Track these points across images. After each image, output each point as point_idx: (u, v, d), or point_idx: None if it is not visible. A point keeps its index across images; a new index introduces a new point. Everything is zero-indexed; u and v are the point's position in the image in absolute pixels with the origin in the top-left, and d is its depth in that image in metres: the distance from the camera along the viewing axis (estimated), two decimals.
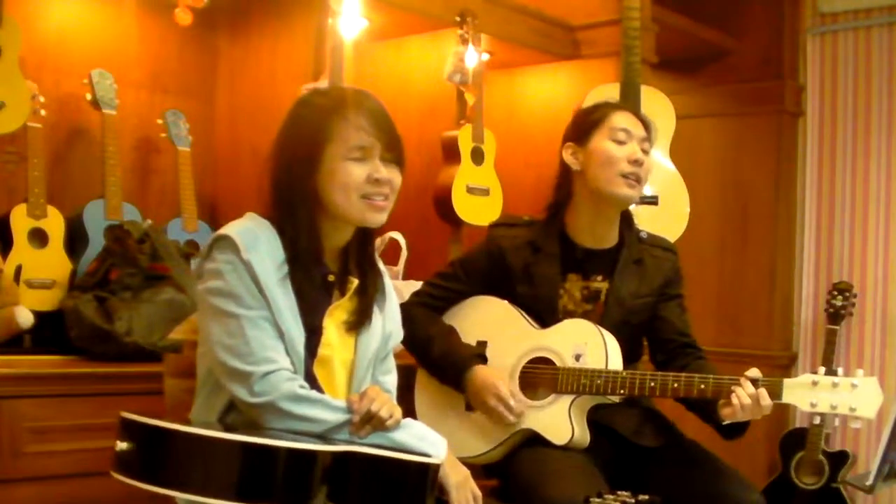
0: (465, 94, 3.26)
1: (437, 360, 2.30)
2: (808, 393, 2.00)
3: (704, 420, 2.16)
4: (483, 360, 2.29)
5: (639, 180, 2.26)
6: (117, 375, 2.34)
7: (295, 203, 1.73)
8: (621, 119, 2.29)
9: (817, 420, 2.08)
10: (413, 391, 2.40)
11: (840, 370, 2.04)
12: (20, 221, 2.57)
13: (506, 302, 2.33)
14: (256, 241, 1.69)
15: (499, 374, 2.24)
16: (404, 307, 2.37)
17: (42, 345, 2.51)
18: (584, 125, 2.31)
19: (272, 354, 1.66)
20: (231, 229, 1.71)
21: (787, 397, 2.01)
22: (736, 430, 2.12)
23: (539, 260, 2.31)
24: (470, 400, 2.27)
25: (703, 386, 2.08)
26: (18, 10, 2.58)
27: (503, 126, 3.50)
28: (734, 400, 2.00)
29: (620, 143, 2.26)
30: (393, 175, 1.77)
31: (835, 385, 1.98)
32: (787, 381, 2.02)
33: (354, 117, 1.74)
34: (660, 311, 2.32)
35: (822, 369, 2.03)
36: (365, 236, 1.84)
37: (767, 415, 2.03)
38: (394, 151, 1.77)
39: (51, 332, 2.54)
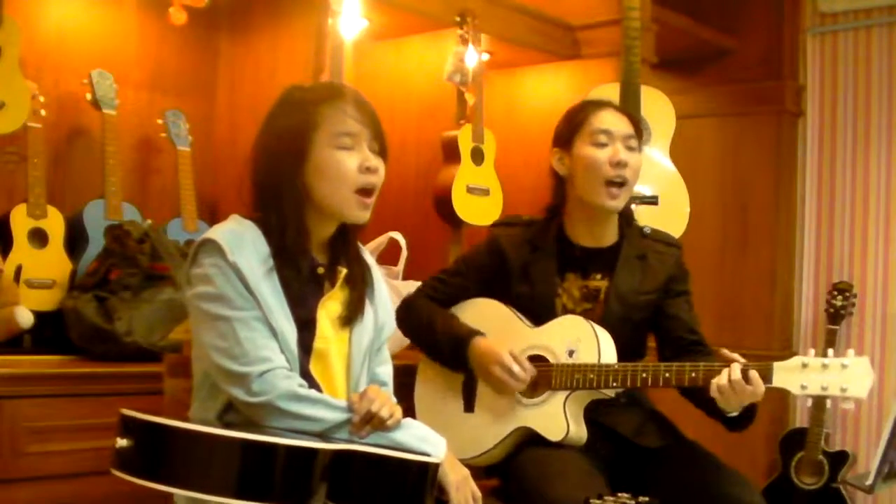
0: (465, 94, 3.25)
1: (440, 339, 2.29)
2: (798, 376, 1.97)
3: (710, 414, 2.15)
4: (484, 336, 2.26)
5: (623, 183, 2.23)
6: (117, 375, 2.34)
7: (281, 197, 1.72)
8: (601, 119, 2.26)
9: (809, 403, 2.06)
10: (412, 392, 2.40)
11: (830, 351, 2.01)
12: (20, 221, 2.57)
13: (498, 302, 2.33)
14: (241, 242, 1.69)
15: (502, 344, 2.22)
16: (407, 300, 2.39)
17: (42, 345, 2.51)
18: (567, 129, 2.29)
19: (267, 353, 1.66)
20: (215, 233, 1.70)
21: (778, 381, 1.99)
22: (741, 421, 2.10)
23: (537, 259, 2.30)
24: (475, 371, 2.26)
25: (693, 374, 2.06)
26: (18, 10, 2.58)
27: (503, 126, 3.49)
28: (712, 385, 1.99)
29: (601, 145, 2.23)
30: (380, 166, 1.77)
31: (825, 366, 1.95)
32: (776, 364, 2.00)
33: (341, 104, 1.74)
34: (668, 308, 2.31)
35: (811, 351, 2.01)
36: (349, 229, 1.83)
37: (760, 400, 2.00)
38: (380, 142, 1.78)
39: (51, 332, 2.54)
